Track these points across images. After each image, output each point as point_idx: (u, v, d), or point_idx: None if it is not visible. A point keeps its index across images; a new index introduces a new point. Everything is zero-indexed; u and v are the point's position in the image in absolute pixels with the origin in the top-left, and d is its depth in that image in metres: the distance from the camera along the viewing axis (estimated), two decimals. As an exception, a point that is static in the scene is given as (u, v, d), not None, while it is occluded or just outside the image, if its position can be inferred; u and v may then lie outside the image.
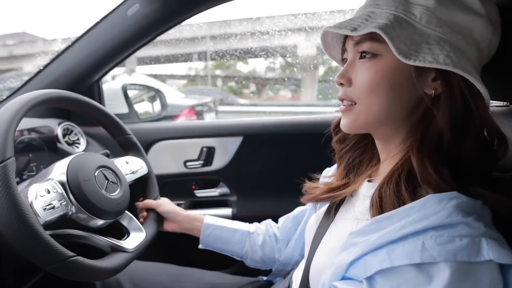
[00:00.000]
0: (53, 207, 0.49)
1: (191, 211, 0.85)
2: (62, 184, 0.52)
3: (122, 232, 0.63)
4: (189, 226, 0.75)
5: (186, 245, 0.80)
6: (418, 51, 0.37)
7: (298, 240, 0.70)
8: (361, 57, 0.42)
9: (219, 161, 1.06)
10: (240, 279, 0.76)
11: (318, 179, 0.59)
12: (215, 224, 0.74)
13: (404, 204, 0.37)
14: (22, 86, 0.96)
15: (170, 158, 1.07)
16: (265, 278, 0.76)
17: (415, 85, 0.40)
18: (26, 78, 0.97)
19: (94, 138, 1.00)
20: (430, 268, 0.31)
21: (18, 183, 0.56)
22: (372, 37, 0.40)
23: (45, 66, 0.95)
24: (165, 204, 0.75)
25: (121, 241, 0.58)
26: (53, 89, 0.60)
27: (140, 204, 0.74)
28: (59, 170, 0.54)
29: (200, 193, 1.09)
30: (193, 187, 1.09)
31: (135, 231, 0.64)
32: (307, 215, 0.67)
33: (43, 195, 0.49)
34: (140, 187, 0.75)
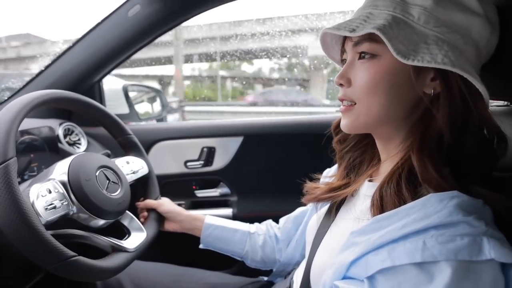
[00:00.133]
0: (54, 207, 0.49)
1: (191, 211, 0.85)
2: (63, 184, 0.52)
3: (123, 232, 0.63)
4: (190, 226, 0.75)
5: (187, 245, 0.80)
6: (416, 51, 0.38)
7: (299, 240, 0.70)
8: (360, 58, 0.43)
9: (220, 161, 1.06)
10: (241, 279, 0.76)
11: (319, 179, 0.59)
12: (215, 224, 0.74)
13: (405, 203, 0.37)
14: (24, 86, 0.96)
15: (170, 158, 1.07)
16: (266, 278, 0.76)
17: (414, 85, 0.40)
18: (27, 78, 0.97)
19: (95, 138, 1.00)
20: (431, 267, 0.31)
21: (19, 183, 0.56)
22: (370, 37, 0.40)
23: (47, 67, 0.95)
24: (165, 204, 0.75)
25: (122, 241, 0.58)
26: (54, 89, 0.60)
27: (141, 204, 0.75)
28: (60, 170, 0.54)
29: (201, 193, 1.09)
30: (194, 187, 1.10)
31: (136, 231, 0.64)
32: (308, 215, 0.67)
33: (44, 195, 0.49)
34: (141, 187, 0.76)
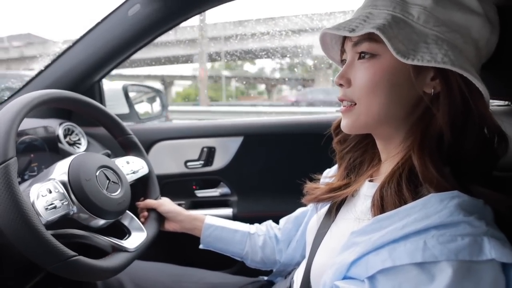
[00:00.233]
0: (54, 207, 0.49)
1: (191, 211, 0.85)
2: (63, 184, 0.52)
3: (123, 232, 0.63)
4: (190, 226, 0.75)
5: (187, 245, 0.80)
6: (416, 51, 0.38)
7: (299, 241, 0.70)
8: (360, 58, 0.43)
9: (220, 161, 1.06)
10: (241, 279, 0.76)
11: (319, 179, 0.59)
12: (215, 225, 0.74)
13: (405, 203, 0.37)
14: (24, 86, 0.96)
15: (170, 158, 1.07)
16: (266, 278, 0.76)
17: (414, 85, 0.40)
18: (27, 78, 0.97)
19: (95, 138, 1.00)
20: (432, 267, 0.31)
21: (19, 183, 0.56)
22: (370, 37, 0.40)
23: (46, 67, 0.95)
24: (166, 204, 0.75)
25: (122, 241, 0.58)
26: (54, 89, 0.60)
27: (141, 204, 0.75)
28: (60, 170, 0.54)
29: (201, 193, 1.09)
30: (194, 187, 1.09)
31: (136, 231, 0.64)
32: (308, 215, 0.67)
33: (44, 195, 0.49)
34: (141, 187, 0.76)
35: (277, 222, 0.76)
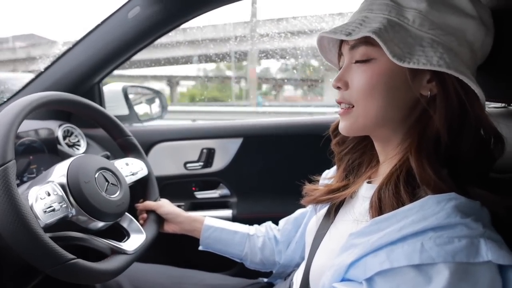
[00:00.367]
0: (53, 210, 0.49)
1: (191, 212, 0.85)
2: (62, 186, 0.52)
3: (122, 234, 0.63)
4: (190, 227, 0.75)
5: (187, 246, 0.80)
6: (412, 54, 0.38)
7: (298, 242, 0.70)
8: (356, 61, 0.43)
9: (219, 163, 1.06)
10: (241, 280, 0.76)
11: (318, 181, 0.59)
12: (215, 226, 0.74)
13: (403, 205, 0.37)
14: (23, 88, 0.96)
15: (170, 160, 1.07)
16: (265, 279, 0.76)
17: (410, 87, 0.40)
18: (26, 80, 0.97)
19: (95, 140, 1.00)
20: (429, 269, 0.31)
21: (18, 185, 0.56)
22: (366, 41, 0.41)
23: (46, 68, 0.95)
24: (165, 206, 0.75)
25: (121, 243, 0.58)
26: (54, 91, 0.60)
27: (140, 205, 0.75)
28: (59, 172, 0.54)
29: (200, 195, 1.09)
30: (193, 188, 1.09)
31: (135, 233, 0.64)
32: (308, 217, 0.67)
33: (43, 198, 0.49)
34: (140, 189, 0.76)
35: (276, 223, 0.76)
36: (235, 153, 1.04)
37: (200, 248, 0.75)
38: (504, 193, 0.36)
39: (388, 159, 0.45)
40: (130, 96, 1.26)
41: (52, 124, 0.88)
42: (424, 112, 0.41)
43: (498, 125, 0.39)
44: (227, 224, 0.75)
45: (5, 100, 0.96)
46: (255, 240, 0.73)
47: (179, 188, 1.08)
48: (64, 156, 0.82)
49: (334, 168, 0.60)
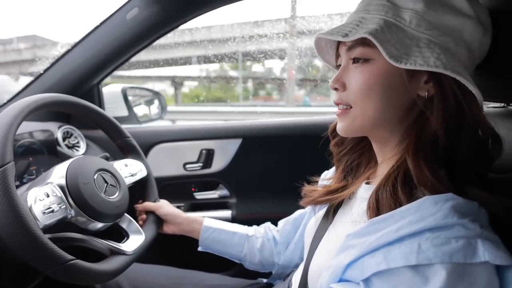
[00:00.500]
0: (52, 211, 0.49)
1: (190, 213, 0.85)
2: (61, 187, 0.52)
3: (121, 235, 0.63)
4: (189, 228, 0.75)
5: (186, 247, 0.80)
6: (408, 54, 0.38)
7: (297, 243, 0.70)
8: (354, 62, 0.43)
9: (219, 163, 1.06)
10: (240, 281, 0.76)
11: (317, 181, 0.59)
12: (214, 227, 0.74)
13: (400, 206, 0.37)
14: (22, 90, 0.96)
15: (169, 161, 1.07)
16: (265, 280, 0.76)
17: (408, 88, 0.40)
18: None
19: (94, 141, 1.00)
20: (426, 269, 0.31)
21: (18, 186, 0.56)
22: (363, 42, 0.41)
23: (45, 70, 0.95)
24: (164, 207, 0.75)
25: (120, 244, 0.58)
26: (53, 93, 0.61)
27: (140, 206, 0.75)
28: (58, 173, 0.54)
29: (200, 196, 1.09)
30: (193, 189, 1.10)
31: (135, 233, 0.64)
32: (307, 218, 0.67)
33: (42, 199, 0.49)
34: (139, 190, 0.76)
35: (275, 224, 0.76)
36: (234, 153, 1.05)
37: (199, 249, 0.75)
38: (503, 194, 0.36)
39: (386, 160, 0.45)
40: (130, 98, 1.26)
41: (51, 126, 0.88)
42: (422, 113, 0.41)
43: (496, 125, 0.39)
44: (226, 225, 0.75)
45: (5, 102, 0.96)
46: (254, 241, 0.73)
47: (178, 189, 1.08)
48: (63, 157, 0.82)
49: (333, 169, 0.61)
